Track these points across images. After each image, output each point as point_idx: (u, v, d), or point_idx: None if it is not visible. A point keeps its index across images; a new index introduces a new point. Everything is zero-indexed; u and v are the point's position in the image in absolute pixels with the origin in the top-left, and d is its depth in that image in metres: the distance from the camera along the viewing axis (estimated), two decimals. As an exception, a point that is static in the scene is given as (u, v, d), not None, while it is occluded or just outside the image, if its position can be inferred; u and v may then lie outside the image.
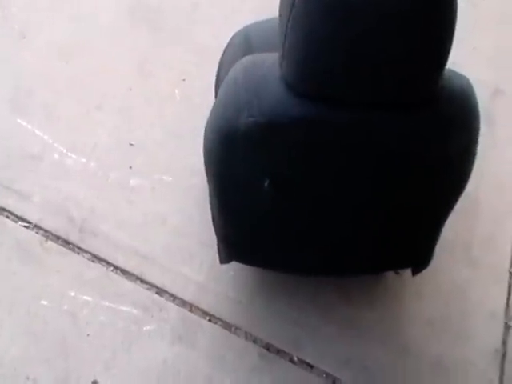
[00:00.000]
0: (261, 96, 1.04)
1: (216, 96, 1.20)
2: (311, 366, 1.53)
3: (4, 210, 1.70)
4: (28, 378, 1.49)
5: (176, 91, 1.89)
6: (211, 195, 1.29)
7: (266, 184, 1.14)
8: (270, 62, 1.06)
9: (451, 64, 1.03)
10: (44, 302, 1.58)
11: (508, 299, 1.66)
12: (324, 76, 0.97)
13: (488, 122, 1.85)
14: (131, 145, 1.79)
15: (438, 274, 1.61)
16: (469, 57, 1.93)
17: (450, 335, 1.59)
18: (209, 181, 1.24)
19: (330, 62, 0.95)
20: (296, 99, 1.02)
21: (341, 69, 0.95)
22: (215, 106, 1.14)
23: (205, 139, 1.18)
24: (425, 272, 1.47)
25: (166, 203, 1.73)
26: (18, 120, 1.82)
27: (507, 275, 1.69)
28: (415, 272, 1.44)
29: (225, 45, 1.56)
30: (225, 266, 1.51)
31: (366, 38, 0.92)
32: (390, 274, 1.61)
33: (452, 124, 1.04)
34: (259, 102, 1.04)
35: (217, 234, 1.40)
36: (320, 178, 1.13)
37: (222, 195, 1.25)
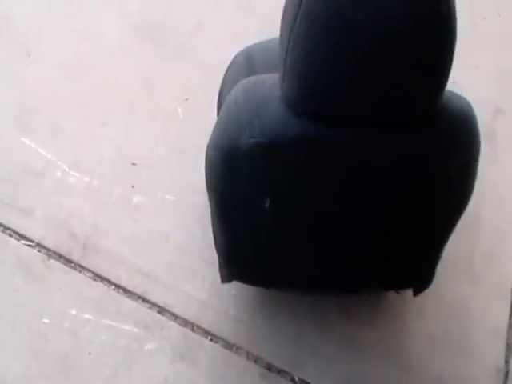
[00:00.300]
0: (262, 116, 1.05)
1: (218, 114, 1.21)
2: (312, 386, 1.54)
3: (7, 228, 1.70)
4: (29, 396, 1.50)
5: (179, 109, 1.91)
6: (212, 213, 1.30)
7: (266, 204, 1.14)
8: (270, 82, 1.07)
9: (452, 82, 1.05)
10: (46, 320, 1.58)
11: (510, 316, 1.66)
12: (324, 96, 0.98)
13: (489, 139, 1.86)
14: (134, 164, 1.80)
15: (439, 291, 1.61)
16: (470, 75, 1.95)
17: (452, 352, 1.59)
18: (210, 198, 1.25)
19: (330, 82, 0.96)
20: (296, 119, 1.03)
21: (341, 89, 0.96)
22: (217, 125, 1.15)
23: (206, 156, 1.19)
24: (427, 289, 1.48)
25: (169, 221, 1.74)
26: (22, 138, 1.83)
27: (509, 292, 1.70)
28: (416, 292, 1.44)
29: (228, 62, 1.58)
30: (226, 284, 1.51)
31: (367, 59, 0.93)
32: (391, 293, 1.61)
33: (451, 143, 1.05)
34: (260, 122, 1.05)
35: (218, 252, 1.40)
36: (321, 197, 1.13)
37: (223, 213, 1.26)
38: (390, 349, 1.58)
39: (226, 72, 1.60)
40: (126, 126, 1.88)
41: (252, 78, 1.15)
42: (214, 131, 1.14)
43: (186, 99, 1.92)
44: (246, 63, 1.53)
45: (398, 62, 0.93)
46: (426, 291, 1.48)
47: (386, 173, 1.07)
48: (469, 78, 1.79)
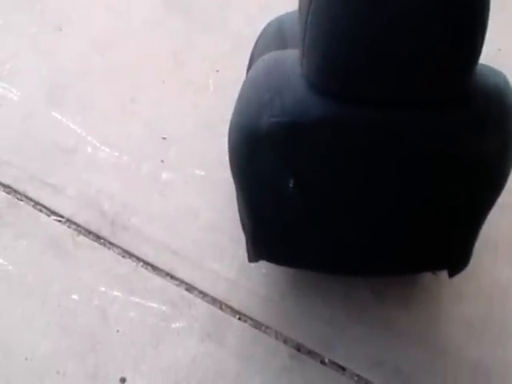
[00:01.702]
0: (283, 95, 1.00)
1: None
2: (343, 368, 1.48)
3: (38, 203, 1.70)
4: (58, 373, 1.49)
5: (210, 81, 1.86)
6: (237, 193, 1.25)
7: (291, 184, 1.09)
8: (292, 58, 1.01)
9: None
10: (75, 297, 1.58)
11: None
12: (346, 74, 0.92)
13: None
14: (164, 138, 1.77)
15: (479, 273, 1.54)
16: (492, 58, 1.83)
17: (491, 337, 1.51)
18: (234, 178, 1.21)
19: (351, 59, 0.89)
20: (318, 98, 0.97)
21: (363, 66, 0.89)
22: (238, 103, 1.10)
23: (229, 136, 1.14)
24: (465, 271, 1.40)
25: (198, 197, 1.70)
26: (53, 113, 1.83)
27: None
28: (452, 274, 1.37)
29: (259, 33, 1.52)
30: (256, 263, 1.48)
31: (390, 33, 0.86)
32: (428, 274, 1.54)
33: (486, 123, 0.97)
34: (281, 101, 1.00)
35: (245, 232, 1.36)
36: (346, 178, 1.08)
37: (248, 193, 1.21)
38: (425, 332, 1.51)
39: (256, 42, 1.54)
40: (156, 101, 1.85)
41: (273, 54, 1.09)
42: (235, 109, 1.09)
43: (217, 71, 1.87)
44: (277, 34, 1.47)
45: (425, 37, 0.85)
46: (465, 273, 1.41)
47: (416, 153, 1.00)
48: (491, 61, 1.68)
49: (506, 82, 1.01)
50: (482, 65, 0.98)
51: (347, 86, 0.94)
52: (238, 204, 1.30)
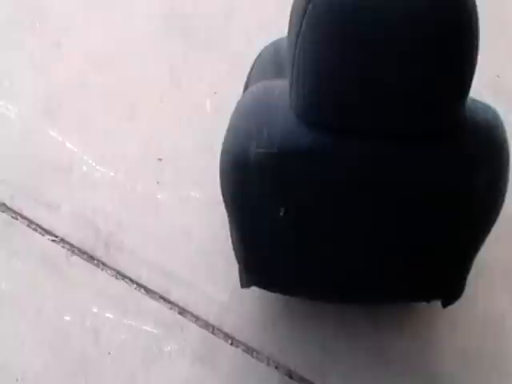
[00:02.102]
0: (270, 126, 1.00)
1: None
2: (335, 396, 1.48)
3: (32, 222, 1.69)
4: (49, 395, 1.49)
5: (207, 103, 1.85)
6: (229, 219, 1.25)
7: (281, 212, 1.09)
8: (280, 89, 1.01)
9: (496, 76, 0.96)
10: (67, 317, 1.56)
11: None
12: (334, 107, 0.91)
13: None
14: (159, 159, 1.76)
15: (474, 303, 1.52)
16: (491, 85, 1.82)
17: (485, 369, 1.50)
18: (225, 205, 1.20)
19: (339, 94, 0.89)
20: (306, 130, 0.96)
21: (351, 101, 0.89)
22: (228, 130, 1.10)
23: (219, 163, 1.14)
24: (460, 299, 1.38)
25: (193, 219, 1.69)
26: (50, 131, 1.82)
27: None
28: (445, 304, 1.36)
29: (258, 54, 1.52)
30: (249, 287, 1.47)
31: (378, 66, 0.85)
32: (422, 303, 1.53)
33: (475, 158, 0.97)
34: (269, 132, 0.99)
35: (237, 258, 1.35)
36: (335, 209, 1.07)
37: (239, 220, 1.21)
38: (418, 362, 1.49)
39: (252, 66, 1.54)
40: (153, 120, 1.84)
41: (262, 84, 1.09)
42: (225, 137, 1.09)
43: (215, 93, 1.87)
44: (274, 58, 1.47)
45: (412, 70, 0.85)
46: (460, 302, 1.39)
47: (405, 187, 1.00)
48: (489, 87, 1.67)
49: (496, 117, 1.00)
50: (472, 99, 0.97)
51: (335, 119, 0.94)
52: (230, 230, 1.29)
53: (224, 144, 1.09)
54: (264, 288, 1.44)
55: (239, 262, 1.35)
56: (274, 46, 1.48)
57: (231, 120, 1.08)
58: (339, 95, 0.90)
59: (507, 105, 1.70)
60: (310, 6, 0.85)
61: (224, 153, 1.09)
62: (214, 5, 2.07)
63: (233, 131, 1.07)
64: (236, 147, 1.05)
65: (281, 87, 1.01)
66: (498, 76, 1.86)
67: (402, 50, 0.84)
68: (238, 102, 1.08)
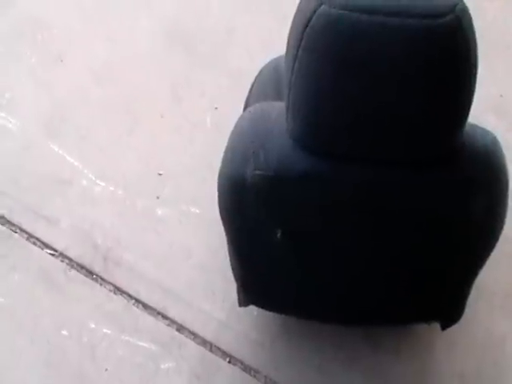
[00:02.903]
0: (267, 149, 0.99)
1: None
2: (332, 417, 1.47)
3: (31, 236, 1.69)
4: (44, 411, 1.48)
5: (208, 119, 1.85)
6: (227, 238, 1.24)
7: (278, 234, 1.08)
8: (277, 112, 1.00)
9: (500, 96, 0.95)
10: (64, 332, 1.56)
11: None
12: (329, 133, 0.91)
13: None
14: (159, 174, 1.76)
15: (473, 325, 1.52)
16: (494, 104, 1.82)
17: (484, 390, 1.49)
18: (223, 224, 1.20)
19: (335, 118, 0.89)
20: (302, 154, 0.96)
21: (347, 127, 0.89)
22: (225, 151, 1.10)
23: (217, 184, 1.13)
24: (460, 321, 1.37)
25: (192, 235, 1.69)
26: (50, 144, 1.82)
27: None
28: (444, 327, 1.35)
29: (259, 71, 1.52)
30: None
31: (374, 94, 0.85)
32: (421, 324, 1.52)
33: (473, 185, 0.96)
34: (265, 155, 0.99)
35: (235, 276, 1.35)
36: (332, 232, 1.06)
37: (236, 240, 1.20)
38: (416, 383, 1.49)
39: (253, 84, 1.54)
40: (153, 135, 1.85)
41: (260, 105, 1.08)
42: (222, 158, 1.08)
43: (216, 108, 1.87)
44: (274, 76, 1.47)
45: (409, 99, 0.84)
46: (460, 323, 1.38)
47: (402, 213, 0.99)
48: (493, 107, 1.66)
49: (494, 142, 1.00)
50: (471, 125, 0.97)
51: (330, 145, 0.94)
52: (228, 249, 1.29)
53: (221, 166, 1.09)
54: (262, 307, 1.44)
55: (237, 281, 1.35)
56: (275, 64, 1.48)
57: (229, 142, 1.08)
58: (335, 122, 0.90)
59: (510, 124, 1.71)
60: (307, 32, 0.85)
61: (221, 175, 1.09)
62: (216, 22, 2.09)
63: (230, 154, 1.07)
64: (233, 170, 1.05)
65: (278, 110, 1.01)
66: (502, 95, 1.87)
67: (398, 78, 0.84)
68: (236, 124, 1.08)
